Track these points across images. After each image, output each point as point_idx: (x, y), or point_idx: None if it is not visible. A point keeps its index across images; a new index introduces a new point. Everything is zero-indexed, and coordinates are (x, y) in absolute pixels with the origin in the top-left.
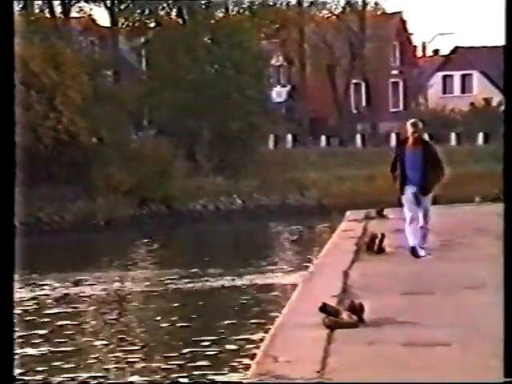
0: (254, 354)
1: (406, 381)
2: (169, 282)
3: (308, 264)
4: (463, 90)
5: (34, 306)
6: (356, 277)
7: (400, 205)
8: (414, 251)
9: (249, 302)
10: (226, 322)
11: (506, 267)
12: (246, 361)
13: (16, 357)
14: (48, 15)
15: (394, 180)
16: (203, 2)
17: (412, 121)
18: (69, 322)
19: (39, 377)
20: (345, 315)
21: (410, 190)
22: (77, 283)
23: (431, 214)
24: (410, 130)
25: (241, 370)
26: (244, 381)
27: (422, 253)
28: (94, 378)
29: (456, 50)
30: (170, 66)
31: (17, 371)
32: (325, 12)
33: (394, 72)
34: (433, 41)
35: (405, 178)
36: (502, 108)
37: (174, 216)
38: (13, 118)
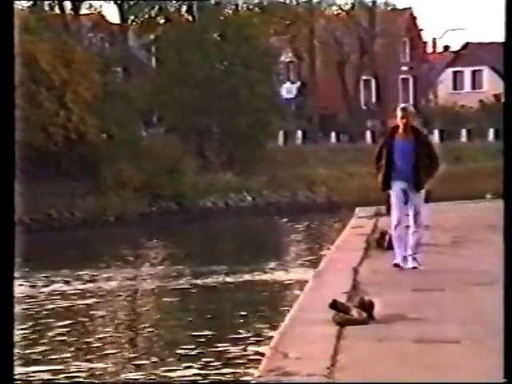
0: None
1: (416, 378)
2: (178, 278)
3: (318, 261)
4: (474, 86)
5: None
6: (366, 273)
7: (387, 203)
8: (399, 265)
9: (259, 299)
10: (236, 318)
11: (507, 265)
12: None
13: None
14: (58, 12)
15: (378, 171)
16: None
17: (402, 105)
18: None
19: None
20: (355, 312)
21: (398, 186)
22: (86, 280)
23: (424, 213)
24: (399, 115)
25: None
26: (253, 378)
27: (412, 264)
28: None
29: (466, 45)
30: (180, 63)
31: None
32: (334, 8)
33: (404, 68)
34: (443, 37)
35: (391, 170)
36: None
37: (184, 213)
38: (13, 115)
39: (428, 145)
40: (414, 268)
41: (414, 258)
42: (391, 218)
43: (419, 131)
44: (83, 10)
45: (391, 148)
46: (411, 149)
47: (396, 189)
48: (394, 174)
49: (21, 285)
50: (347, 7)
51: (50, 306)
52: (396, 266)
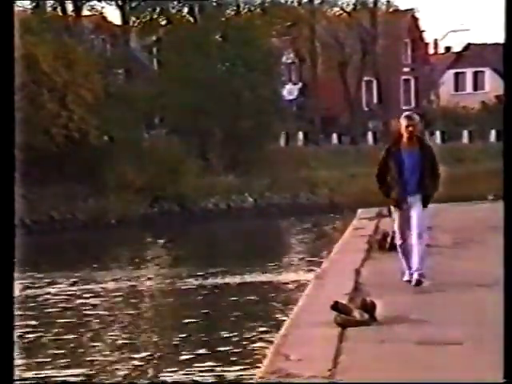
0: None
1: (417, 379)
2: (179, 279)
3: (320, 262)
4: (475, 87)
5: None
6: (368, 275)
7: (390, 215)
8: (417, 282)
9: (258, 300)
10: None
11: (507, 265)
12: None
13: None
14: (60, 13)
15: (383, 192)
16: None
17: (406, 113)
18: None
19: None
20: (356, 313)
21: (406, 200)
22: (86, 281)
23: (426, 215)
24: (403, 123)
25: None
26: (254, 379)
27: (417, 278)
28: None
29: (468, 46)
30: (181, 64)
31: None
32: (336, 9)
33: (406, 69)
34: (445, 38)
35: (403, 186)
36: None
37: (186, 214)
38: (12, 117)
39: (432, 158)
40: (419, 283)
41: (420, 274)
42: (396, 235)
43: (424, 141)
44: (85, 12)
45: (399, 160)
46: (417, 160)
47: (403, 204)
48: (404, 189)
49: (28, 287)
50: (349, 8)
51: (50, 307)
52: (408, 281)
